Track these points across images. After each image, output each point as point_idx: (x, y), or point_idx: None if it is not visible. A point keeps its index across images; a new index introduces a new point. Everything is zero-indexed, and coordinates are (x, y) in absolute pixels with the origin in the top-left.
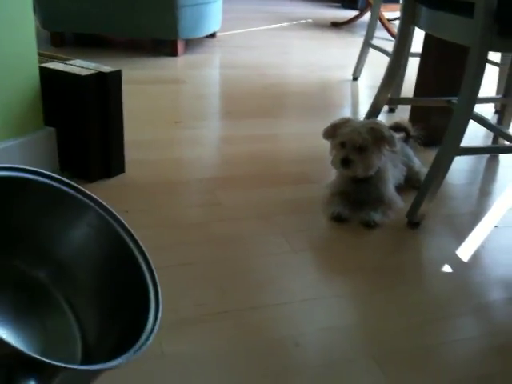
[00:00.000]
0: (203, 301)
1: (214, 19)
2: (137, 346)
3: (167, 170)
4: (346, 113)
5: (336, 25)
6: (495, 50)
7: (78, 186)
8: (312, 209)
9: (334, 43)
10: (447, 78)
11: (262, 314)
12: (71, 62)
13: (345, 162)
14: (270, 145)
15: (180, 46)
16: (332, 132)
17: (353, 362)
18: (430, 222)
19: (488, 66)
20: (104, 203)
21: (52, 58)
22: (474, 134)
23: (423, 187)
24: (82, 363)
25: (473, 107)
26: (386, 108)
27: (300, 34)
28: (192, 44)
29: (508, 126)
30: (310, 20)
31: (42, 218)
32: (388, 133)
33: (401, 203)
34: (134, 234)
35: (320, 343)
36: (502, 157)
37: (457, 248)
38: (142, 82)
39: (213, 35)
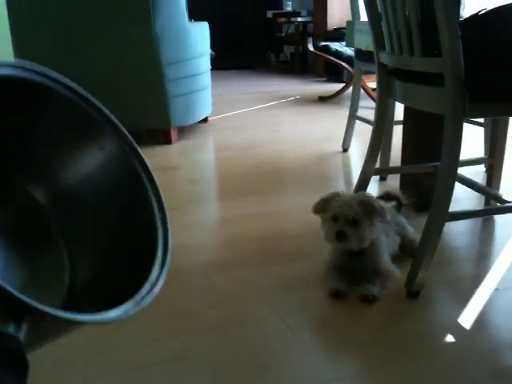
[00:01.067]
0: None
1: (204, 105)
2: (138, 296)
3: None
4: (339, 184)
5: (323, 99)
6: (469, 116)
7: (100, 106)
8: (309, 286)
9: (323, 116)
10: (430, 143)
11: None
12: None
13: (339, 236)
14: (264, 223)
15: (173, 134)
16: (322, 207)
17: None
18: (429, 290)
19: (474, 127)
20: (123, 130)
21: None
22: (469, 195)
23: (418, 255)
24: (65, 308)
25: (455, 172)
26: (377, 177)
27: (289, 111)
28: (185, 130)
29: (497, 185)
30: (298, 96)
31: (57, 134)
32: (378, 204)
33: (398, 273)
34: (150, 169)
35: None
36: (498, 217)
37: (459, 315)
38: None
39: (205, 120)
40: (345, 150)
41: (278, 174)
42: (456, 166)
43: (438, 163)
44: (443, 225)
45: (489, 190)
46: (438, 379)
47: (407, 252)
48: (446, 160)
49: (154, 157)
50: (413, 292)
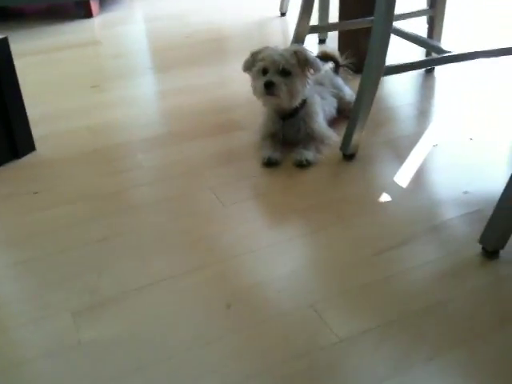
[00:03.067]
0: (125, 276)
1: None
2: None
3: (83, 140)
4: None
5: None
6: None
7: None
8: (243, 157)
9: None
10: None
11: (196, 278)
12: None
13: (268, 86)
14: (200, 95)
15: (94, 6)
16: (252, 61)
17: (292, 314)
18: (366, 151)
19: None
20: None
21: None
22: (409, 50)
23: (352, 115)
24: None
25: (390, 22)
26: (315, 40)
27: None
28: (107, 2)
29: (439, 37)
30: None
31: None
32: (311, 56)
33: (334, 137)
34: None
35: (253, 299)
36: (438, 72)
37: (396, 174)
38: (52, 49)
39: None
40: (282, 14)
41: (213, 44)
42: (391, 15)
43: None
44: (379, 80)
45: (429, 42)
46: (373, 240)
47: (345, 114)
48: (380, 8)
49: (71, 33)
50: (348, 154)
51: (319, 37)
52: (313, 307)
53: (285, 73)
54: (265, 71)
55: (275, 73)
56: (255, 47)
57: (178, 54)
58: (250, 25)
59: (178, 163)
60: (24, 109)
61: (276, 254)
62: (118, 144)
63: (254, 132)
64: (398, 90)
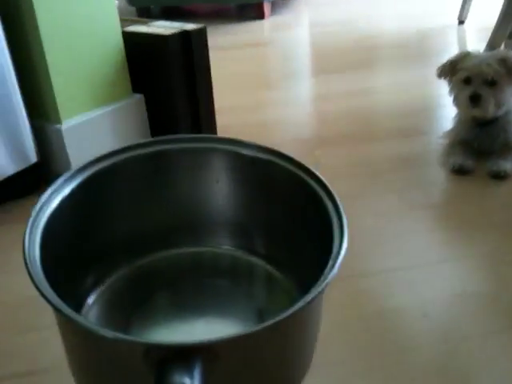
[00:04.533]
0: None
1: None
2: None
3: (261, 133)
4: None
5: None
6: None
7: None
8: (427, 162)
9: None
10: None
11: (376, 282)
12: (154, 23)
13: (474, 99)
14: (367, 99)
15: (266, 9)
16: (451, 68)
17: (489, 336)
18: None
19: None
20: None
21: (135, 22)
22: None
23: None
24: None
25: None
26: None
27: None
28: (278, 5)
29: None
30: None
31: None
32: None
33: None
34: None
35: (449, 314)
36: None
37: None
38: (227, 47)
39: None
40: (461, 22)
41: (381, 50)
42: None
43: None
44: None
45: None
46: None
47: None
48: None
49: (245, 33)
50: None
51: (506, 47)
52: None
53: (491, 83)
54: (467, 80)
55: (481, 84)
56: (425, 55)
57: (345, 58)
58: (423, 33)
59: (358, 163)
60: (212, 96)
61: (454, 271)
62: (293, 140)
63: (438, 137)
64: None
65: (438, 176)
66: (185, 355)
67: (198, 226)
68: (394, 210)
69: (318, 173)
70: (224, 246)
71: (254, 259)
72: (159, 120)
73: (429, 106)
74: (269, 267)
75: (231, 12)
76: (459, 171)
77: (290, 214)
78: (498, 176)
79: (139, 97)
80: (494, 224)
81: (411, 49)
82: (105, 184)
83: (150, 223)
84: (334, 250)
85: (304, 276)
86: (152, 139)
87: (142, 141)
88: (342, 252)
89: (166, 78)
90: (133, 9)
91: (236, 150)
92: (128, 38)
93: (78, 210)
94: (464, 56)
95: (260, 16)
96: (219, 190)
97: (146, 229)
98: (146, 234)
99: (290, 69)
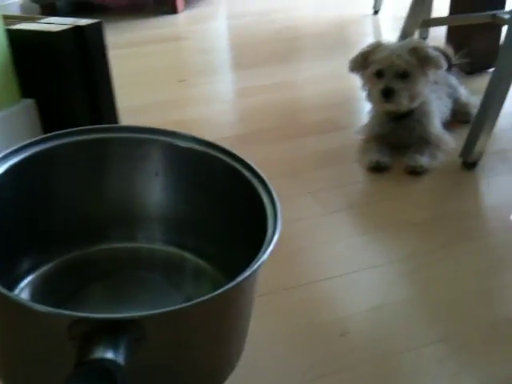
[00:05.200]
0: None
1: None
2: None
3: None
4: None
5: None
6: None
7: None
8: (344, 159)
9: None
10: None
11: (293, 297)
12: (45, 19)
13: (387, 93)
14: (287, 93)
15: (179, 2)
16: (362, 61)
17: (415, 350)
18: (487, 161)
19: None
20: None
21: (24, 19)
22: None
23: (478, 119)
24: None
25: None
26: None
27: None
28: None
29: None
30: None
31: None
32: (433, 52)
33: (451, 142)
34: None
35: (370, 328)
36: None
37: None
38: (139, 43)
39: None
40: (376, 12)
41: (300, 41)
42: None
43: (498, 11)
44: None
45: None
46: (500, 265)
47: (459, 117)
48: None
49: (158, 28)
50: (469, 163)
51: (420, 35)
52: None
53: (404, 75)
54: (379, 74)
55: (393, 77)
56: (348, 45)
57: (264, 51)
58: (340, 23)
59: (273, 163)
60: (113, 94)
61: (377, 279)
62: (212, 140)
63: (355, 133)
64: None
65: (355, 174)
66: (111, 329)
67: (134, 219)
68: (310, 214)
69: (253, 165)
70: (159, 241)
71: (188, 254)
72: (54, 126)
73: (349, 99)
74: (201, 261)
75: (146, 6)
76: (376, 168)
77: (226, 207)
78: (415, 172)
79: (30, 102)
80: (413, 223)
81: (330, 39)
82: (39, 169)
83: (87, 214)
84: (268, 236)
85: (237, 269)
86: (91, 127)
87: (78, 128)
88: (275, 238)
89: (60, 80)
90: (36, 6)
91: (172, 142)
92: (14, 36)
93: (12, 194)
94: (375, 47)
95: (174, 10)
96: (158, 183)
97: (84, 219)
98: (84, 224)
99: (207, 64)
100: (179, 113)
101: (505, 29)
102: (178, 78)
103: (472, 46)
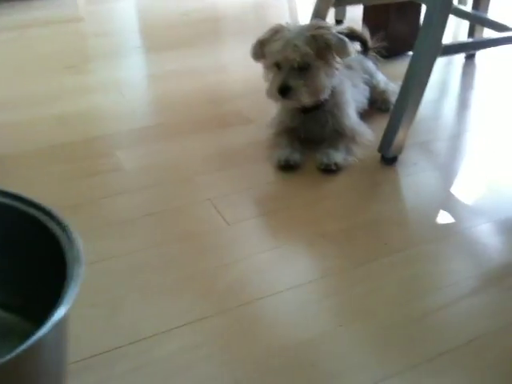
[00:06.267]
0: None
1: None
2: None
3: (47, 132)
4: None
5: None
6: None
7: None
8: (252, 158)
9: None
10: None
11: (181, 336)
12: None
13: (283, 91)
14: (196, 81)
15: None
16: (260, 50)
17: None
18: (408, 154)
19: None
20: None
21: None
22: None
23: (397, 108)
24: None
25: None
26: (331, 21)
27: None
28: None
29: (485, 10)
30: None
31: None
32: (335, 37)
33: (369, 134)
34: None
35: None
36: (480, 59)
37: (447, 183)
38: (23, 26)
39: None
40: None
41: (211, 24)
42: None
43: None
44: (434, 62)
45: (485, 17)
46: (425, 276)
47: (378, 106)
48: None
49: (51, 8)
50: (388, 157)
51: (336, 17)
52: None
53: (302, 68)
54: (278, 65)
55: (290, 70)
56: (260, 29)
57: (171, 33)
58: (252, 5)
59: (169, 165)
60: None
61: (293, 304)
62: (93, 138)
63: (264, 126)
64: (438, 79)
65: (264, 174)
66: None
67: None
68: (209, 227)
69: (59, 215)
70: None
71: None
72: None
73: (263, 88)
74: (8, 315)
75: None
76: (285, 167)
77: (27, 257)
78: (330, 170)
79: None
80: (326, 233)
81: (243, 22)
82: None
83: None
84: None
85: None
86: None
87: None
88: (59, 313)
89: None
90: None
91: None
92: None
93: None
94: (274, 33)
95: None
96: None
97: None
98: None
99: (104, 48)
100: (62, 105)
101: (424, 8)
102: (66, 65)
103: (390, 28)
